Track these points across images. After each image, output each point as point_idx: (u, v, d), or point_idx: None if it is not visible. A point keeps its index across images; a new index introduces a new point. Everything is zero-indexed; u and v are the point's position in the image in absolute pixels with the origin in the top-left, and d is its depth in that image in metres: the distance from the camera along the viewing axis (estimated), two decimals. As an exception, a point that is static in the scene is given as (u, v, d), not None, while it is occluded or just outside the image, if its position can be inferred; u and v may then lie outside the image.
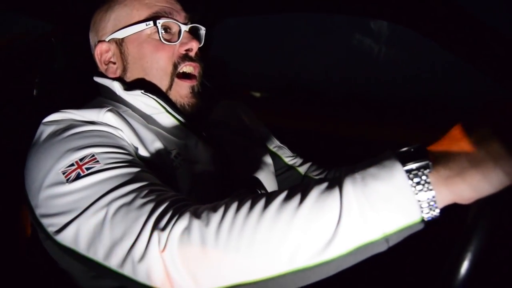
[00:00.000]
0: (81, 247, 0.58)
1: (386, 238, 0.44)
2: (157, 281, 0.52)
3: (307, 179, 1.10)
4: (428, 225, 0.44)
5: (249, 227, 0.48)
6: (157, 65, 0.83)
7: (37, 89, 0.95)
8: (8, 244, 0.96)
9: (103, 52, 0.87)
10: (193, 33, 0.90)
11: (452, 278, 0.45)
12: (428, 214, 0.43)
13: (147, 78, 0.84)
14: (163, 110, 0.82)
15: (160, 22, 0.82)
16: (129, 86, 0.84)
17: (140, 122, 0.80)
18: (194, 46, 0.85)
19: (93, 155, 0.63)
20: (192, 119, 0.87)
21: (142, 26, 0.82)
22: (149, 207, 0.55)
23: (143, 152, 0.73)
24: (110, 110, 0.73)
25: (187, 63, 0.85)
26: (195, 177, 0.80)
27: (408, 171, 0.44)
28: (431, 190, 0.43)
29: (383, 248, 0.45)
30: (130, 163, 0.65)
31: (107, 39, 0.86)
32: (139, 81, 0.85)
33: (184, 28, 0.85)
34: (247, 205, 0.50)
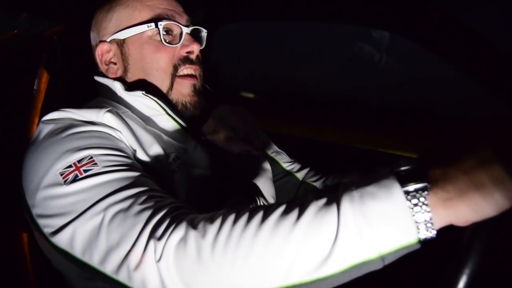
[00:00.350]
0: (77, 251, 0.57)
1: (382, 258, 0.44)
2: None
3: (304, 185, 1.10)
4: (425, 244, 0.44)
5: (245, 240, 0.48)
6: (157, 66, 0.83)
7: (38, 86, 0.95)
8: (8, 244, 0.96)
9: (104, 52, 0.87)
10: (195, 36, 0.90)
11: None
12: (425, 235, 0.43)
13: (148, 79, 0.84)
14: (163, 112, 0.82)
15: (161, 24, 0.82)
16: (130, 86, 0.84)
17: (139, 124, 0.79)
18: (195, 48, 0.85)
19: (91, 157, 0.63)
20: (192, 122, 0.86)
21: (143, 27, 0.82)
22: (146, 214, 0.55)
23: (141, 154, 0.73)
24: (109, 111, 0.73)
25: (187, 66, 0.85)
26: (192, 181, 0.80)
27: (407, 192, 0.43)
28: (428, 212, 0.42)
29: (378, 266, 0.45)
30: (128, 166, 0.64)
31: (108, 40, 0.86)
32: (139, 82, 0.85)
33: (186, 30, 0.85)
34: (244, 218, 0.50)
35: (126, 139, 0.72)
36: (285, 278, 0.46)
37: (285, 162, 1.13)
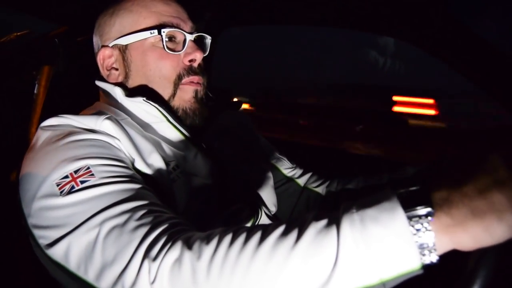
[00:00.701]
0: (72, 265, 0.56)
1: (383, 283, 0.42)
2: None
3: (306, 191, 1.08)
4: (427, 269, 0.42)
5: (242, 262, 0.46)
6: (160, 74, 0.81)
7: (39, 90, 0.95)
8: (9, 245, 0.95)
9: (105, 57, 0.85)
10: (199, 42, 0.88)
11: None
12: (427, 261, 0.42)
13: (150, 86, 0.82)
14: (164, 119, 0.80)
15: (165, 31, 0.80)
16: (131, 92, 0.82)
17: (139, 131, 0.78)
18: (198, 57, 0.83)
19: (88, 167, 0.61)
20: (193, 130, 0.85)
21: (146, 34, 0.81)
22: (142, 231, 0.53)
23: (140, 163, 0.71)
24: (108, 118, 0.71)
25: (191, 77, 0.83)
26: (193, 190, 0.78)
27: (409, 217, 0.42)
28: (431, 237, 0.41)
29: None
30: (126, 177, 0.63)
31: (110, 45, 0.84)
32: (141, 89, 0.83)
33: (190, 37, 0.83)
34: (241, 239, 0.48)
35: (125, 147, 0.71)
36: None
37: (286, 168, 1.11)
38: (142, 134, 0.77)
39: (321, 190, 1.08)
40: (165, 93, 0.83)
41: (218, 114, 0.95)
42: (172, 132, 0.83)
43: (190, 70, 0.83)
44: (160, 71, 0.81)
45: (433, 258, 0.41)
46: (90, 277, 0.55)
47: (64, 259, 0.57)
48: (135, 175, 0.67)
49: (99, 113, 0.74)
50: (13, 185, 0.73)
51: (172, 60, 0.82)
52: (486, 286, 0.45)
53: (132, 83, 0.84)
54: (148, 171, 0.72)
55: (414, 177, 0.90)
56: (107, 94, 0.85)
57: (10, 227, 0.88)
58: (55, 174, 0.61)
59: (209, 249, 0.49)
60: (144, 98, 0.78)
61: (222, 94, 1.03)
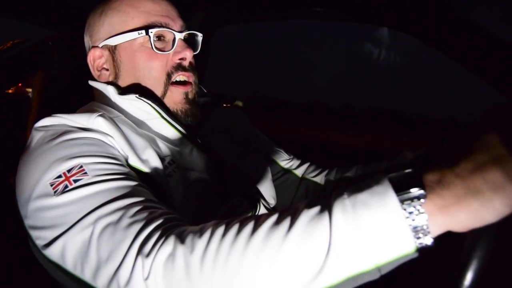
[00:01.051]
0: (68, 265, 0.56)
1: (378, 268, 0.41)
2: None
3: (305, 182, 1.08)
4: (422, 251, 0.41)
5: (234, 255, 0.46)
6: (149, 75, 0.81)
7: (34, 93, 0.95)
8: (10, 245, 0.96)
9: (96, 58, 0.85)
10: (190, 41, 0.88)
11: None
12: (422, 244, 0.41)
13: (141, 85, 0.82)
14: (158, 115, 0.80)
15: (152, 31, 0.79)
16: (123, 91, 0.82)
17: (132, 128, 0.77)
18: (188, 55, 0.83)
19: (81, 166, 0.61)
20: (187, 125, 0.85)
21: (134, 34, 0.80)
22: (136, 228, 0.53)
23: (134, 159, 0.71)
24: (101, 115, 0.71)
25: (180, 73, 0.83)
26: (189, 185, 0.78)
27: (402, 200, 0.41)
28: (425, 220, 0.40)
29: (375, 277, 0.42)
30: (119, 174, 0.63)
31: (100, 45, 0.84)
32: (132, 87, 0.83)
33: (179, 36, 0.82)
34: (233, 230, 0.48)
35: (118, 144, 0.70)
36: None
37: (283, 160, 1.11)
38: (135, 131, 0.77)
39: (319, 179, 1.07)
40: (156, 93, 0.82)
41: (213, 109, 0.95)
42: (166, 129, 0.82)
43: (179, 67, 0.83)
44: (149, 72, 0.81)
45: (427, 241, 0.41)
46: (86, 276, 0.55)
47: (60, 259, 0.57)
48: (129, 172, 0.67)
49: (92, 111, 0.74)
50: (12, 188, 0.74)
51: (161, 60, 0.81)
52: (482, 268, 0.44)
53: (122, 83, 0.84)
54: (142, 167, 0.71)
55: (412, 162, 0.88)
56: (101, 94, 0.84)
57: (10, 229, 0.89)
58: (49, 174, 0.61)
59: (201, 242, 0.48)
60: (137, 95, 0.78)
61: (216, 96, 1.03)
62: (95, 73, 0.87)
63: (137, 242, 0.52)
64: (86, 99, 0.87)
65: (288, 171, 1.10)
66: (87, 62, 0.87)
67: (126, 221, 0.54)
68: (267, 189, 0.97)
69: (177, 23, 0.84)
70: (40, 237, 0.60)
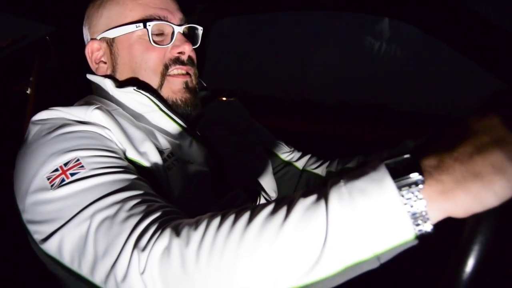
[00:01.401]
0: (65, 259, 0.56)
1: (377, 257, 0.40)
2: None
3: (306, 174, 1.07)
4: (422, 239, 0.40)
5: (230, 246, 0.45)
6: (146, 66, 0.80)
7: (32, 87, 0.95)
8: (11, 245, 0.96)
9: (94, 50, 0.84)
10: (189, 34, 0.86)
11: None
12: (421, 231, 0.40)
13: (137, 78, 0.81)
14: (156, 108, 0.79)
15: (150, 24, 0.78)
16: (121, 84, 0.81)
17: (130, 121, 0.76)
18: (187, 49, 0.81)
19: (78, 159, 0.60)
20: (187, 118, 0.84)
21: (132, 27, 0.79)
22: (132, 222, 0.52)
23: (132, 152, 0.70)
24: (98, 108, 0.70)
25: (178, 66, 0.81)
26: (188, 177, 0.77)
27: (399, 186, 0.40)
28: (424, 206, 0.39)
29: (374, 265, 0.41)
30: (116, 168, 0.62)
31: (98, 38, 0.83)
32: (130, 80, 0.81)
33: (178, 29, 0.81)
34: (229, 222, 0.47)
35: (115, 136, 0.69)
36: (275, 285, 0.43)
37: (284, 153, 1.09)
38: (133, 124, 0.76)
39: (320, 171, 1.05)
40: (153, 85, 0.81)
41: (212, 102, 0.94)
42: (165, 121, 0.81)
43: (177, 61, 0.82)
44: (146, 63, 0.80)
45: (427, 227, 0.39)
46: (84, 271, 0.54)
47: (58, 254, 0.57)
48: (126, 165, 0.66)
49: (89, 103, 0.73)
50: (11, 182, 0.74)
51: (159, 52, 0.80)
52: (483, 255, 0.43)
53: (120, 76, 0.83)
54: (140, 159, 0.71)
55: (413, 149, 0.88)
56: (98, 87, 0.83)
57: (10, 226, 0.89)
58: (46, 168, 0.61)
59: (197, 234, 0.47)
60: (135, 88, 0.77)
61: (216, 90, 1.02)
62: (93, 66, 0.86)
63: (133, 236, 0.51)
64: (84, 93, 0.86)
65: (288, 163, 1.09)
66: (85, 56, 0.86)
67: (122, 215, 0.54)
68: (267, 182, 0.96)
69: (176, 16, 0.83)
70: (37, 232, 0.60)
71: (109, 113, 0.72)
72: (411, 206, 0.39)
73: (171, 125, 0.82)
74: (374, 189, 0.40)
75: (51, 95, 0.97)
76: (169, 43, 0.81)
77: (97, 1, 0.85)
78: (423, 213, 0.39)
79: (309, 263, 0.42)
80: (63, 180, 0.59)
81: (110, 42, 0.83)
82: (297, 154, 1.10)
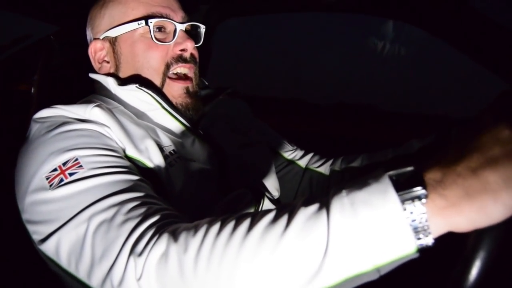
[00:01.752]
0: (63, 262, 0.56)
1: (377, 269, 0.39)
2: None
3: (308, 172, 1.05)
4: (423, 252, 0.39)
5: (229, 254, 0.44)
6: (148, 65, 0.79)
7: (35, 86, 0.95)
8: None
9: (97, 50, 0.84)
10: (191, 32, 0.86)
11: None
12: (422, 244, 0.39)
13: (140, 77, 0.81)
14: (159, 106, 0.78)
15: (152, 21, 0.78)
16: (123, 82, 0.80)
17: (131, 119, 0.76)
18: (189, 46, 0.81)
19: (77, 159, 0.60)
20: (189, 116, 0.83)
21: (134, 25, 0.79)
22: (129, 226, 0.52)
23: (132, 149, 0.69)
24: (97, 106, 0.70)
25: (180, 64, 0.81)
26: (191, 175, 0.76)
27: (402, 200, 0.39)
28: (425, 220, 0.38)
29: (374, 277, 0.40)
30: (115, 167, 0.61)
31: (101, 37, 0.83)
32: (132, 78, 0.81)
33: (180, 27, 0.81)
34: (228, 229, 0.46)
35: (115, 134, 0.69)
36: None
37: (286, 151, 1.08)
38: (134, 121, 0.76)
39: (323, 169, 1.04)
40: (155, 83, 0.81)
41: (214, 100, 0.93)
42: (167, 119, 0.81)
43: (179, 59, 0.81)
44: (148, 62, 0.80)
45: (428, 241, 0.38)
46: (81, 274, 0.54)
47: (55, 255, 0.57)
48: (126, 164, 0.65)
49: (89, 101, 0.73)
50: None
51: (161, 50, 0.80)
52: (487, 267, 0.43)
53: (123, 74, 0.83)
54: (140, 157, 0.70)
55: (419, 152, 0.85)
56: (101, 86, 0.83)
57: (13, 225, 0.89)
58: (45, 167, 0.60)
59: (195, 241, 0.46)
60: (137, 85, 0.76)
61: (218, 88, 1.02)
62: (96, 66, 0.86)
63: (130, 240, 0.50)
64: (88, 92, 0.86)
65: (291, 162, 1.07)
66: (88, 55, 0.86)
67: (120, 218, 0.53)
68: (270, 180, 0.95)
69: (178, 14, 0.83)
70: (36, 232, 0.59)
71: (109, 110, 0.71)
72: (413, 220, 0.38)
73: (174, 123, 0.82)
74: (377, 201, 0.39)
75: (54, 94, 0.97)
76: (171, 41, 0.81)
77: (99, 2, 0.85)
78: (425, 227, 0.38)
79: (309, 273, 0.41)
80: (61, 180, 0.58)
81: (113, 41, 0.82)
82: (299, 153, 1.09)
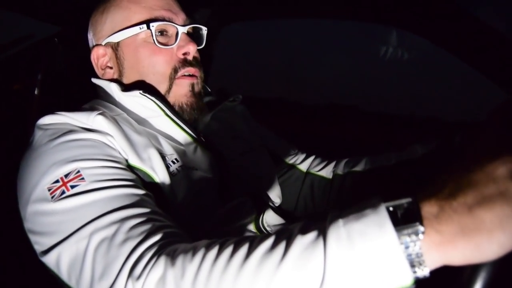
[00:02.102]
0: (63, 275, 0.56)
1: None
2: None
3: (310, 176, 1.04)
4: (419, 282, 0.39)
5: (226, 282, 0.43)
6: (154, 70, 0.78)
7: (39, 88, 0.95)
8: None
9: (99, 56, 0.83)
10: (194, 35, 0.85)
11: None
12: (418, 276, 0.39)
13: (145, 82, 0.80)
14: (162, 113, 0.77)
15: (154, 25, 0.77)
16: (127, 88, 0.79)
17: (134, 126, 0.75)
18: (192, 49, 0.80)
19: (78, 171, 0.60)
20: (191, 123, 0.82)
21: (136, 29, 0.78)
22: (129, 246, 0.52)
23: (134, 158, 0.69)
24: (101, 114, 0.69)
25: (187, 68, 0.80)
26: (193, 184, 0.75)
27: (399, 234, 0.39)
28: (421, 254, 0.38)
29: None
30: (117, 180, 0.61)
31: (103, 43, 0.82)
32: (136, 84, 0.80)
33: (182, 30, 0.80)
34: (225, 255, 0.45)
35: (118, 143, 0.68)
36: None
37: (287, 156, 1.07)
38: (137, 129, 0.75)
39: (325, 173, 1.03)
40: (161, 89, 0.80)
41: (216, 107, 0.92)
42: (170, 126, 0.80)
43: (185, 62, 0.80)
44: (153, 67, 0.79)
45: (425, 272, 0.38)
46: None
47: (56, 268, 0.56)
48: (128, 176, 0.64)
49: (92, 109, 0.72)
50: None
51: (165, 54, 0.79)
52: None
53: (126, 80, 0.81)
54: (143, 166, 0.69)
55: (422, 159, 0.85)
56: (104, 91, 0.82)
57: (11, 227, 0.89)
58: (46, 178, 0.60)
59: (192, 266, 0.46)
60: (141, 92, 0.75)
61: (219, 91, 1.02)
62: (99, 72, 0.84)
63: (129, 262, 0.50)
64: (90, 96, 0.85)
65: (292, 166, 1.06)
66: (90, 60, 0.84)
67: (120, 237, 0.53)
68: (272, 187, 0.94)
69: (180, 17, 0.82)
70: (37, 243, 0.59)
71: (112, 119, 0.71)
72: (410, 254, 0.38)
73: (176, 131, 0.81)
74: (374, 234, 0.39)
75: (57, 97, 0.96)
76: (174, 44, 0.80)
77: (100, 8, 0.84)
78: (421, 261, 0.38)
79: None
80: (63, 192, 0.58)
81: (115, 47, 0.81)
82: (301, 156, 1.08)
